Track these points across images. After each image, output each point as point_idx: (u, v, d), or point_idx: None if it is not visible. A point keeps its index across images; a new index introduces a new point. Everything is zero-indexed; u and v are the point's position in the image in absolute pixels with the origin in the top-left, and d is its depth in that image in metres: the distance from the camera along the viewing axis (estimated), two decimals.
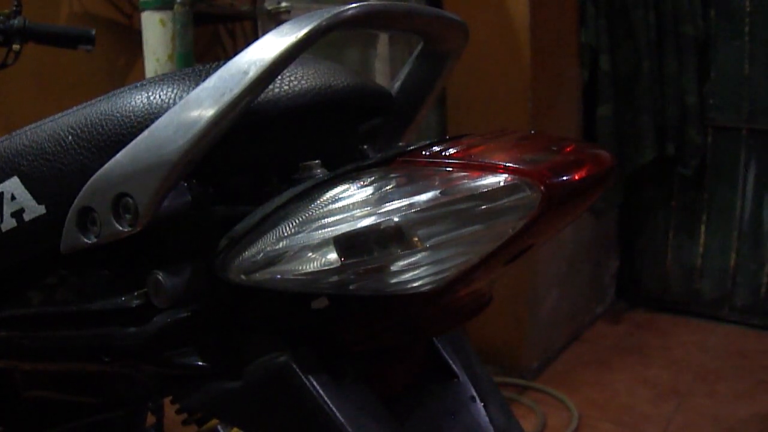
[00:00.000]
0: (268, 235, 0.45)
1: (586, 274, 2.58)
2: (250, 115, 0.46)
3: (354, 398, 0.48)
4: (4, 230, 0.51)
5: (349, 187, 0.44)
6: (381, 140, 0.64)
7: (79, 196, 0.45)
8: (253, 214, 0.46)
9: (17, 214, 0.50)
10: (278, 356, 0.47)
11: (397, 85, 0.65)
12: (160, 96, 0.48)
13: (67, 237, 0.46)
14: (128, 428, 0.79)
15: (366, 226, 0.42)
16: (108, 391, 0.65)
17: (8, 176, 0.50)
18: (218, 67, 0.43)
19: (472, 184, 0.41)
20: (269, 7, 1.63)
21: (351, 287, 0.43)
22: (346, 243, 0.42)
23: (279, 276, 0.45)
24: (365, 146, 0.61)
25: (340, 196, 0.44)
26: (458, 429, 0.54)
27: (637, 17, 2.33)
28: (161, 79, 0.49)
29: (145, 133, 0.43)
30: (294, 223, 0.45)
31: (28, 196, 0.49)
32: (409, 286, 0.43)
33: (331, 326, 0.48)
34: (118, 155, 0.44)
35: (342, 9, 0.44)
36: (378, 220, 0.42)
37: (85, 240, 0.46)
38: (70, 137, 0.49)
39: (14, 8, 1.02)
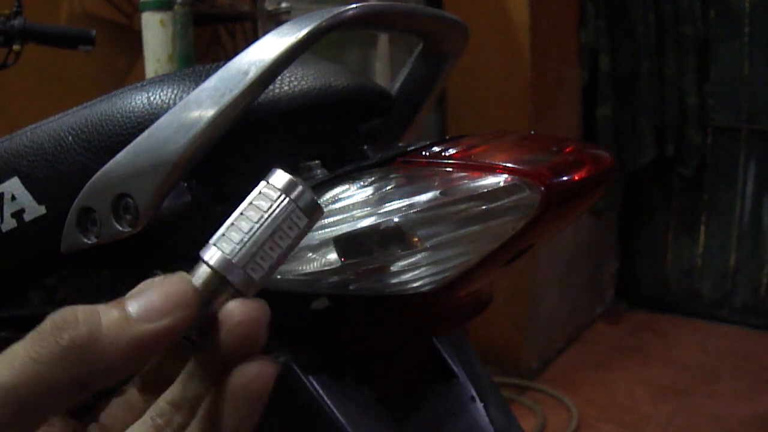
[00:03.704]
0: None
1: (586, 275, 2.58)
2: (250, 115, 0.46)
3: (354, 398, 0.48)
4: (4, 230, 0.51)
5: (349, 188, 0.44)
6: (381, 140, 0.64)
7: (79, 196, 0.45)
8: None
9: (17, 214, 0.50)
10: (278, 356, 0.47)
11: (397, 85, 0.65)
12: (160, 96, 0.48)
13: (67, 237, 0.46)
14: None
15: (366, 227, 0.42)
16: (108, 390, 0.65)
17: (8, 176, 0.50)
18: (218, 67, 0.43)
19: (472, 185, 0.41)
20: (269, 8, 1.63)
21: (351, 287, 0.43)
22: (347, 243, 0.42)
23: (279, 276, 0.45)
24: (365, 146, 0.61)
25: (340, 196, 0.44)
26: (458, 429, 0.54)
27: (637, 17, 2.34)
28: (161, 80, 0.49)
29: (145, 133, 0.43)
30: None
31: (29, 196, 0.49)
32: (409, 286, 0.43)
33: (331, 326, 0.48)
34: (118, 155, 0.44)
35: (342, 9, 0.44)
36: (378, 221, 0.42)
37: (86, 240, 0.46)
38: (70, 138, 0.49)
39: (15, 9, 1.02)
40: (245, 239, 0.27)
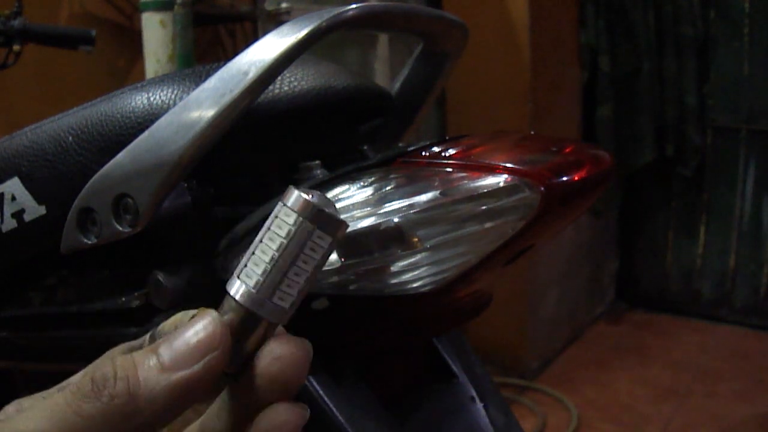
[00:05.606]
0: None
1: (586, 275, 2.58)
2: (251, 115, 0.46)
3: (354, 398, 0.48)
4: (4, 231, 0.51)
5: (349, 188, 0.44)
6: (381, 141, 0.64)
7: (80, 196, 0.45)
8: (254, 215, 0.46)
9: (18, 214, 0.50)
10: None
11: (397, 85, 0.65)
12: (160, 97, 0.48)
13: (67, 237, 0.46)
14: None
15: (366, 227, 0.42)
16: None
17: (9, 177, 0.50)
18: (218, 67, 0.43)
19: (472, 185, 0.41)
20: (269, 8, 1.63)
21: (351, 288, 0.43)
22: (347, 243, 0.42)
23: None
24: (365, 147, 0.61)
25: (341, 196, 0.44)
26: (458, 429, 0.54)
27: (636, 18, 2.33)
28: (161, 80, 0.50)
29: (146, 133, 0.43)
30: None
31: (29, 196, 0.49)
32: (409, 286, 0.43)
33: (331, 326, 0.48)
34: (119, 156, 0.44)
35: (342, 10, 0.44)
36: (378, 221, 0.42)
37: (86, 240, 0.46)
38: (70, 138, 0.49)
39: (15, 9, 1.02)
40: (268, 269, 0.26)
